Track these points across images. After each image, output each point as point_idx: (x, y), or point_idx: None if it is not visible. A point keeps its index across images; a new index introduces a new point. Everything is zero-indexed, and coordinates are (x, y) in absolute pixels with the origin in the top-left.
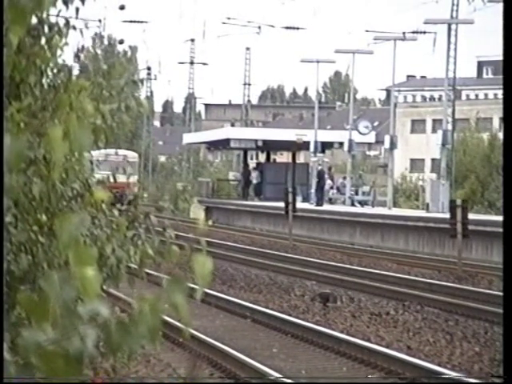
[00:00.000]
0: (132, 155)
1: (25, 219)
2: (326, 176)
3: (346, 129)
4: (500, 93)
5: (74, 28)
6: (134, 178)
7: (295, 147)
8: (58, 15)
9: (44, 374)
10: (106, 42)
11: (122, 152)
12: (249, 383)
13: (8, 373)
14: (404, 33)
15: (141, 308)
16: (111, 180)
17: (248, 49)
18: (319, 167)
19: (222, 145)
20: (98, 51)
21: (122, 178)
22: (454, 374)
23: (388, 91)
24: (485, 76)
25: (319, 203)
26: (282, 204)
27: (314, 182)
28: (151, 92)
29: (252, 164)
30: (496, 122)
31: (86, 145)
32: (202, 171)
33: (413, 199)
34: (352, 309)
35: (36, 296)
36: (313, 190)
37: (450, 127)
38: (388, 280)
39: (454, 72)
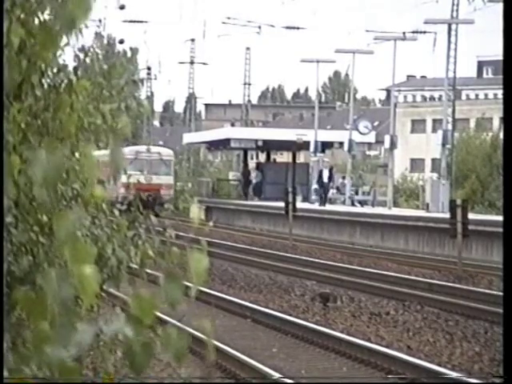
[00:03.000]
0: (167, 152)
1: (25, 220)
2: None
3: (346, 129)
4: (500, 93)
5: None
6: (169, 179)
7: (295, 147)
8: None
9: (44, 374)
10: (105, 41)
11: (155, 149)
12: (249, 383)
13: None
14: (404, 33)
15: (168, 332)
16: (142, 181)
17: (248, 49)
18: (325, 166)
19: (222, 145)
20: (98, 51)
21: (155, 179)
22: (454, 374)
23: (388, 91)
24: (485, 76)
25: (322, 203)
26: (282, 204)
27: (314, 181)
28: (151, 92)
29: (252, 164)
30: (496, 122)
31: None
32: (202, 171)
33: (413, 199)
34: (352, 309)
35: (34, 294)
36: (313, 188)
37: (450, 127)
38: (388, 280)
39: (454, 72)
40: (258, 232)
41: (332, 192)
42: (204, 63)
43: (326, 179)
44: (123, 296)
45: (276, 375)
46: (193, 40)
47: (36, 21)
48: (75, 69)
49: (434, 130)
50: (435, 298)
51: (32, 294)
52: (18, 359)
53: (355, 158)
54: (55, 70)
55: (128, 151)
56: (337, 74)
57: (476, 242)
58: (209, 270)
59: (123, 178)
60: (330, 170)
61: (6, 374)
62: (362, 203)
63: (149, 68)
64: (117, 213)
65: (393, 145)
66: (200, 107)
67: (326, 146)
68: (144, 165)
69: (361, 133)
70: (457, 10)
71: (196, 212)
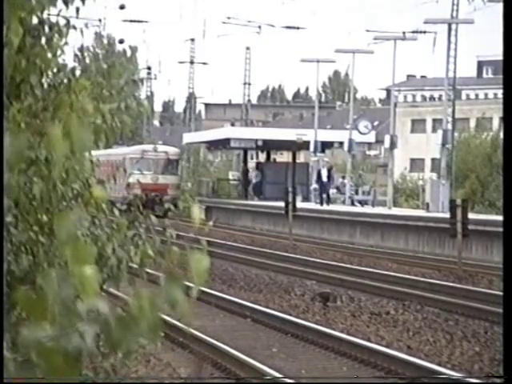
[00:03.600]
0: (173, 151)
1: (25, 219)
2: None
3: (346, 128)
4: (500, 93)
5: (74, 28)
6: (175, 179)
7: (295, 147)
8: (58, 15)
9: (44, 373)
10: (105, 41)
11: (161, 148)
12: (249, 383)
13: (8, 372)
14: (404, 33)
15: (140, 304)
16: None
17: (248, 48)
18: (324, 166)
19: (222, 144)
20: (98, 51)
21: (162, 179)
22: (454, 374)
23: (388, 91)
24: (485, 76)
25: (326, 202)
26: (282, 204)
27: (314, 181)
28: (151, 92)
29: (252, 164)
30: (496, 122)
31: (87, 145)
32: (202, 171)
33: (413, 199)
34: (352, 308)
35: (34, 294)
36: (313, 187)
37: (450, 127)
38: (388, 280)
39: (454, 72)
40: (258, 232)
41: (332, 192)
42: (204, 63)
43: (325, 179)
44: (122, 295)
45: (276, 375)
46: (193, 40)
47: (35, 20)
48: (74, 68)
49: (434, 130)
50: (435, 297)
51: (32, 294)
52: (18, 360)
53: (355, 157)
54: (55, 70)
55: (134, 150)
56: (337, 73)
57: (476, 242)
58: (209, 269)
59: (129, 178)
60: (329, 170)
61: (5, 374)
62: (362, 203)
63: (149, 68)
64: (117, 213)
65: (393, 144)
66: (200, 107)
67: (325, 145)
68: (150, 164)
69: (361, 132)
70: (457, 10)
71: (196, 212)
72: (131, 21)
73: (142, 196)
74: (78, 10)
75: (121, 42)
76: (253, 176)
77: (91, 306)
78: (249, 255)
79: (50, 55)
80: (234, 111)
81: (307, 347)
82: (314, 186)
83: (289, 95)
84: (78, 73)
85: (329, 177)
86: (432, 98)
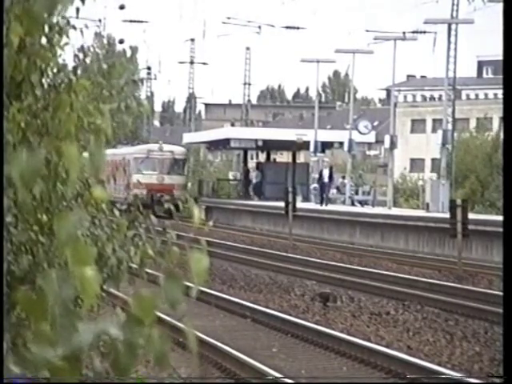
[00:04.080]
0: (179, 151)
1: (25, 219)
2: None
3: (346, 128)
4: (500, 93)
5: (74, 28)
6: (182, 179)
7: (295, 147)
8: (57, 15)
9: (44, 374)
10: (105, 41)
11: (167, 148)
12: (249, 383)
13: (8, 372)
14: (404, 33)
15: (150, 333)
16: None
17: (248, 49)
18: (326, 166)
19: (222, 145)
20: (99, 51)
21: (167, 179)
22: (454, 374)
23: (388, 91)
24: (485, 76)
25: (325, 202)
26: (282, 204)
27: (314, 181)
28: (151, 92)
29: (252, 164)
30: (496, 122)
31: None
32: (203, 171)
33: (413, 199)
34: (352, 308)
35: (34, 295)
36: (313, 187)
37: (450, 127)
38: (388, 280)
39: (454, 72)
40: (258, 232)
41: (332, 192)
42: (204, 63)
43: (326, 179)
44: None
45: (276, 375)
46: (193, 40)
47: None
48: (76, 68)
49: (434, 130)
50: (435, 297)
51: (32, 294)
52: (18, 359)
53: (355, 157)
54: (55, 70)
55: (139, 150)
56: (337, 73)
57: (476, 242)
58: (209, 269)
59: (134, 178)
60: (330, 170)
61: (5, 373)
62: (362, 203)
63: (149, 68)
64: (117, 213)
65: (393, 145)
66: (200, 107)
67: (325, 145)
68: (156, 164)
69: (361, 133)
70: (457, 10)
71: (196, 212)
72: (131, 21)
73: (147, 196)
74: (77, 10)
75: (121, 42)
76: (253, 176)
77: (102, 329)
78: (249, 255)
79: (50, 55)
80: (234, 111)
81: (307, 347)
82: (314, 185)
83: (289, 95)
84: (78, 72)
85: (330, 177)
86: (432, 98)
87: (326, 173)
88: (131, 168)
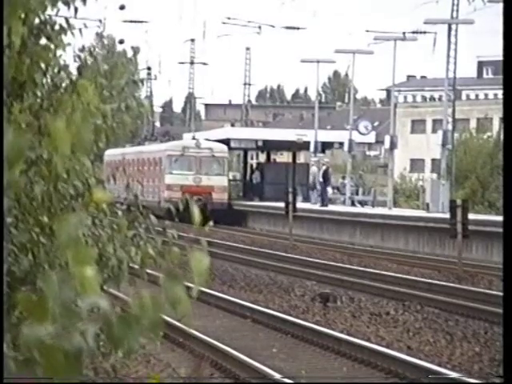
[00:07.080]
0: (220, 148)
1: (26, 220)
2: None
3: (346, 129)
4: (500, 93)
5: (74, 28)
6: (222, 180)
7: (295, 147)
8: (57, 15)
9: (44, 373)
10: (106, 41)
11: (205, 144)
12: (249, 383)
13: (8, 372)
14: (404, 33)
15: (142, 302)
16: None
17: (248, 49)
18: (323, 167)
19: None
20: (99, 51)
21: (205, 180)
22: (454, 374)
23: (388, 91)
24: (485, 76)
25: (324, 203)
26: (282, 204)
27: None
28: (151, 92)
29: (252, 164)
30: (496, 122)
31: (87, 140)
32: None
33: (413, 199)
34: (352, 309)
35: (35, 296)
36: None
37: (450, 127)
38: (388, 280)
39: (454, 72)
40: (258, 232)
41: (330, 192)
42: (204, 63)
43: (321, 179)
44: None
45: (276, 375)
46: (193, 40)
47: (37, 20)
48: (79, 68)
49: (434, 131)
50: (435, 298)
51: (33, 295)
52: (18, 359)
53: (355, 158)
54: (56, 70)
55: (173, 146)
56: (337, 74)
57: (476, 242)
58: (209, 270)
59: (167, 179)
60: (326, 171)
61: (6, 373)
62: (362, 203)
63: (149, 68)
64: (120, 213)
65: (393, 145)
66: (200, 107)
67: (326, 146)
68: (192, 163)
69: (361, 133)
70: (457, 10)
71: (196, 212)
72: (131, 21)
73: (181, 200)
74: (76, 10)
75: (121, 42)
76: (253, 176)
77: (93, 303)
78: (249, 255)
79: (51, 55)
80: (234, 111)
81: (307, 347)
82: (318, 187)
83: (289, 95)
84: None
85: (325, 178)
86: (432, 99)
87: (314, 171)
88: (163, 167)
